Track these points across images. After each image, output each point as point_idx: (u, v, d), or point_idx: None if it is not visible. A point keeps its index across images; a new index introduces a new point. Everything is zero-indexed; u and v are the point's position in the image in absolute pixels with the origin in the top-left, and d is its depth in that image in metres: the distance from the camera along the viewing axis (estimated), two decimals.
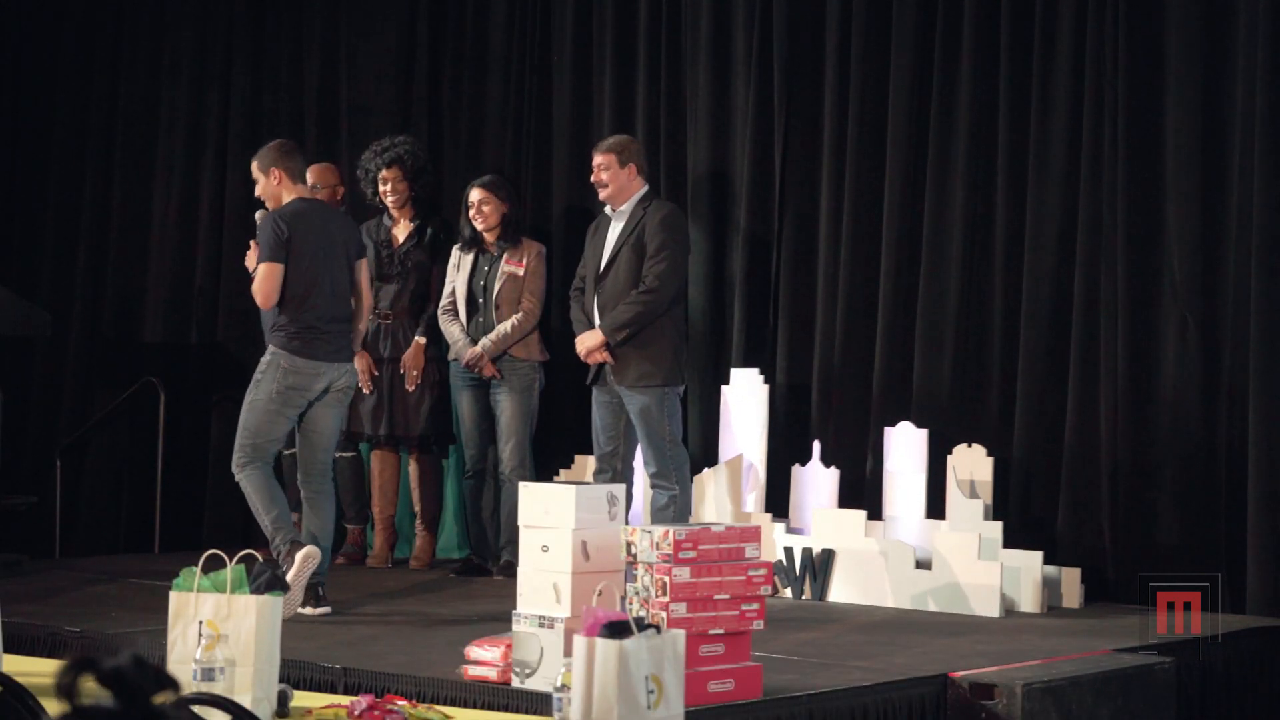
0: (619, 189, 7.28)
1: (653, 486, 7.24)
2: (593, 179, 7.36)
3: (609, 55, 8.51)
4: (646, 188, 7.37)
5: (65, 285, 9.91)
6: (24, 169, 10.09)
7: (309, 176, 8.30)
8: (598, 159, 7.32)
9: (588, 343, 7.21)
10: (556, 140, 8.68)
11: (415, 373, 8.03)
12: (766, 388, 7.70)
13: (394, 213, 8.18)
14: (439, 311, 7.92)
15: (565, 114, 8.65)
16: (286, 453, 8.25)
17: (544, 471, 8.06)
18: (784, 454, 7.73)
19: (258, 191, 6.86)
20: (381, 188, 8.12)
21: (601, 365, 7.23)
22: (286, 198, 6.76)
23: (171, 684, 2.05)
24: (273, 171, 6.76)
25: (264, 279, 6.63)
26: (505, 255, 7.84)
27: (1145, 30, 7.15)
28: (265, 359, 6.69)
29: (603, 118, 8.48)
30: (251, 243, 6.94)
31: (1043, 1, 7.37)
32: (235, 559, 4.70)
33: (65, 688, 2.02)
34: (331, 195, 8.30)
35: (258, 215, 6.98)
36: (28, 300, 9.06)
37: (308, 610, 6.58)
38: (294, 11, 9.54)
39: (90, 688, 2.02)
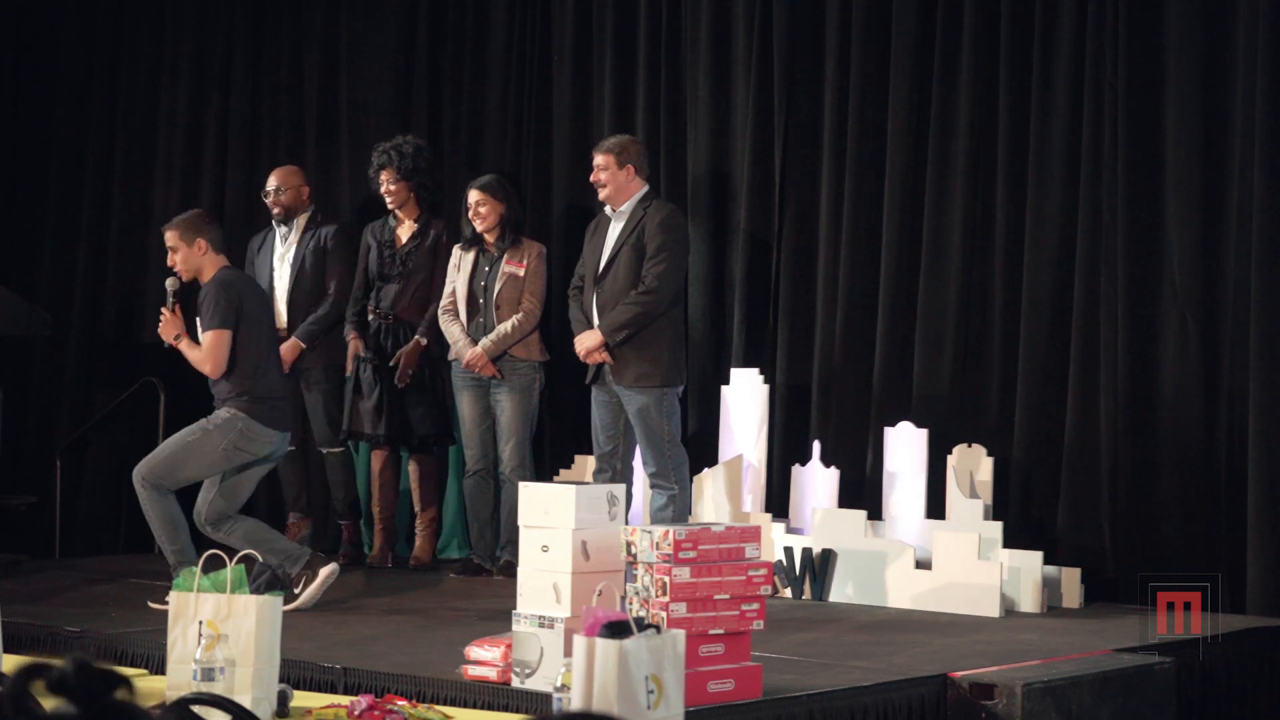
0: (617, 189, 7.27)
1: (652, 486, 7.24)
2: (591, 179, 7.36)
3: (609, 55, 8.51)
4: (646, 188, 7.36)
5: (65, 285, 9.90)
6: (24, 169, 10.09)
7: (272, 180, 8.36)
8: (597, 159, 7.32)
9: (586, 343, 7.22)
10: (556, 140, 8.68)
11: (409, 370, 8.02)
12: (766, 388, 7.69)
13: (397, 213, 8.20)
14: (439, 312, 7.92)
15: (565, 114, 8.65)
16: (327, 451, 8.28)
17: (544, 471, 8.07)
18: (784, 454, 7.73)
19: (176, 262, 6.81)
20: (381, 188, 8.15)
21: (600, 365, 7.23)
22: (209, 267, 6.78)
23: (125, 682, 2.03)
24: (198, 243, 6.76)
25: (219, 346, 6.65)
26: (505, 256, 7.84)
27: (1145, 30, 7.15)
28: (223, 415, 6.69)
29: (603, 118, 8.48)
30: (166, 312, 6.85)
31: (1043, 2, 7.37)
32: (235, 559, 4.71)
33: (16, 698, 1.99)
34: (296, 196, 8.32)
35: (170, 283, 6.90)
36: (28, 300, 9.05)
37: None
38: (294, 12, 9.54)
39: (44, 696, 2.00)
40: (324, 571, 6.69)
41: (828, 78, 7.89)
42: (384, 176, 8.13)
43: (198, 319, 6.83)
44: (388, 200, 8.17)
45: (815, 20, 7.94)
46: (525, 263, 7.82)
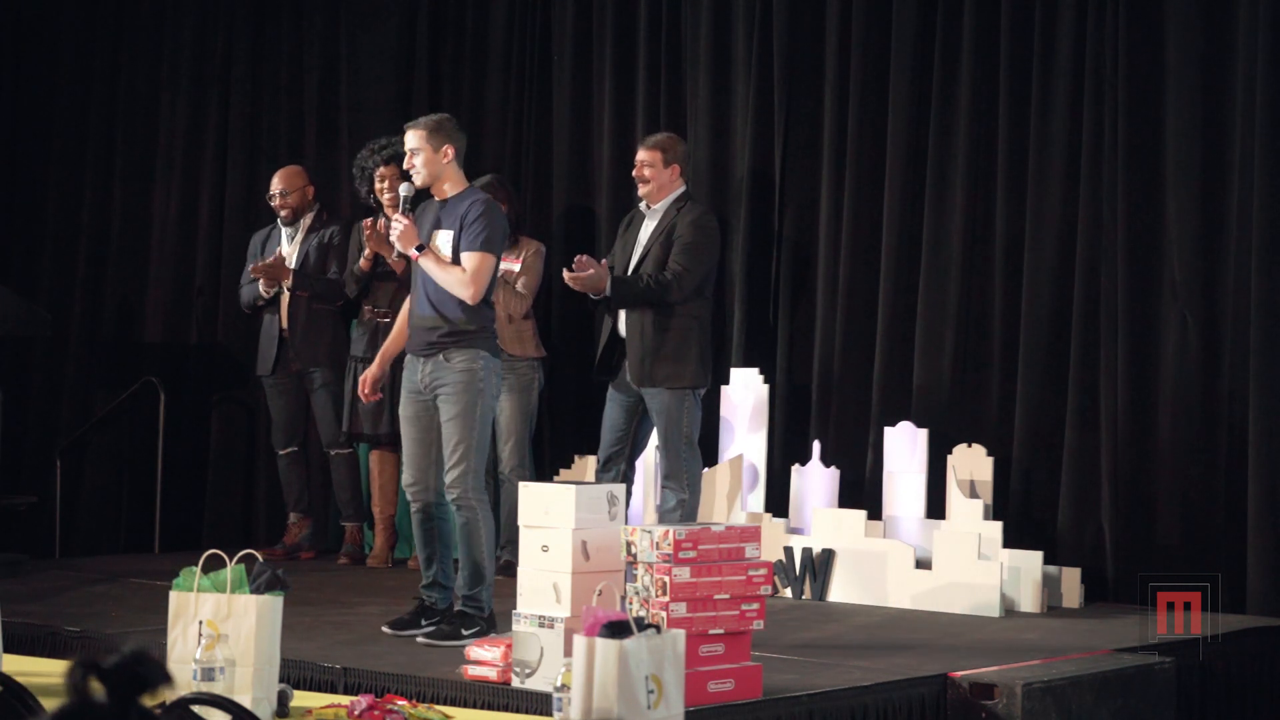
0: (660, 186, 7.13)
1: (663, 488, 7.17)
2: (635, 174, 7.21)
3: (609, 55, 8.51)
4: (684, 188, 7.25)
5: (65, 285, 9.91)
6: (25, 169, 10.09)
7: (276, 182, 8.34)
8: (641, 155, 7.18)
9: (590, 279, 6.99)
10: (556, 140, 8.68)
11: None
12: (766, 388, 7.69)
13: (390, 211, 8.19)
14: None
15: (565, 114, 8.65)
16: (334, 453, 8.28)
17: (544, 471, 8.06)
18: (784, 454, 7.73)
19: (416, 165, 6.06)
20: (379, 185, 8.10)
21: (613, 359, 7.14)
22: (452, 179, 6.09)
23: (167, 681, 2.05)
24: (445, 150, 6.04)
25: (486, 271, 5.97)
26: (503, 254, 7.83)
27: (1145, 30, 7.15)
28: (478, 365, 5.96)
29: (603, 118, 8.48)
30: (405, 220, 6.02)
31: (1043, 1, 7.37)
32: (235, 559, 4.70)
33: (77, 687, 2.03)
34: (301, 198, 8.32)
35: (404, 188, 6.21)
36: (28, 300, 9.05)
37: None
38: (293, 12, 9.54)
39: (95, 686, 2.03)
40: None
41: (828, 78, 7.89)
42: (385, 173, 8.09)
43: (439, 232, 6.06)
44: (387, 198, 8.15)
45: (815, 20, 7.94)
46: (521, 258, 7.81)
